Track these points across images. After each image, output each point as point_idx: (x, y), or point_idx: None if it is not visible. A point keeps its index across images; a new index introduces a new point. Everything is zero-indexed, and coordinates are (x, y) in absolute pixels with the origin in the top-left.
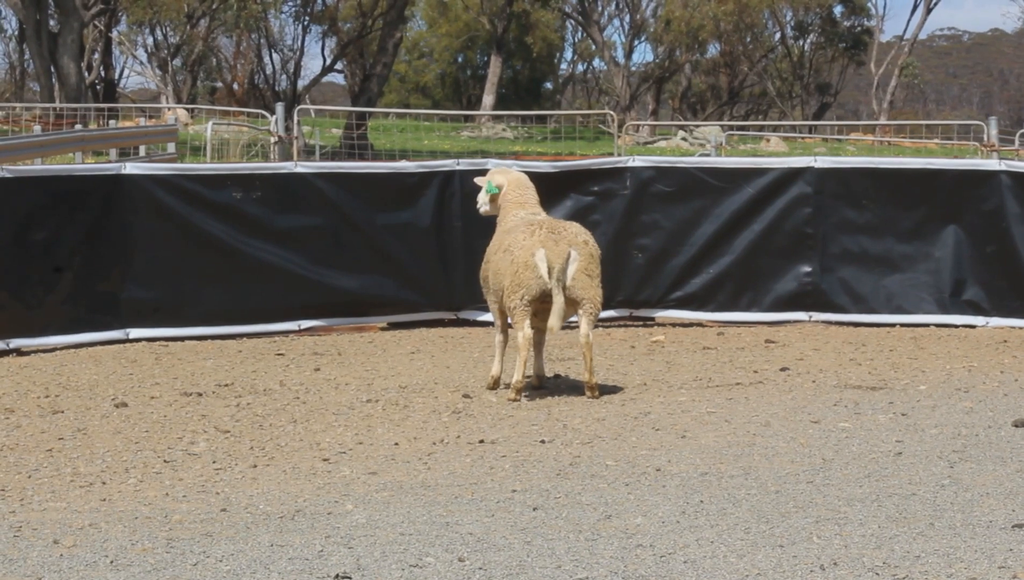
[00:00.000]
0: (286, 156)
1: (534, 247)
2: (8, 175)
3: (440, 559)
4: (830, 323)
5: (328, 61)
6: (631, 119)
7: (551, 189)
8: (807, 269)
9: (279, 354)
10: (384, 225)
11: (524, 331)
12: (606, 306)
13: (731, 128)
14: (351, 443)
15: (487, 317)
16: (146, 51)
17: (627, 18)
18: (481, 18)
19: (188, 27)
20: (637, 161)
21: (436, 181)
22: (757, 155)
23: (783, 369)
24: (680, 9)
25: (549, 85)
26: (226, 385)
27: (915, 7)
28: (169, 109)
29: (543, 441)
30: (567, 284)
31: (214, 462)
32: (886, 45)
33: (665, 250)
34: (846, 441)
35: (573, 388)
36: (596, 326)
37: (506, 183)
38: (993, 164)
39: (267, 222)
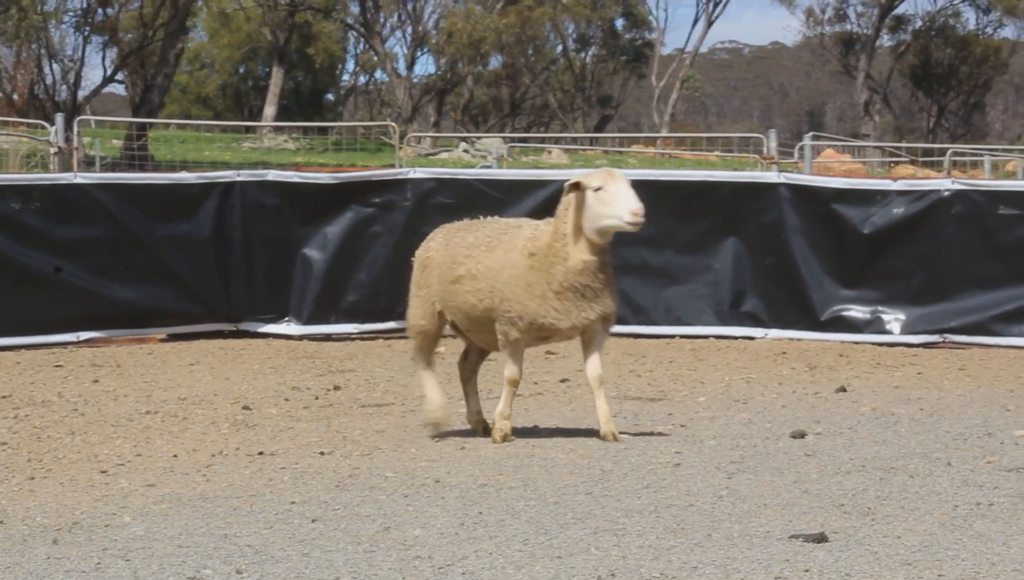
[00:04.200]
0: (66, 167)
1: None
2: None
3: (218, 571)
4: (610, 334)
5: (109, 72)
6: (413, 131)
7: (331, 201)
8: None
9: (57, 366)
10: (164, 236)
11: None
12: (386, 318)
13: (513, 140)
14: (130, 455)
15: (267, 329)
16: None
17: (409, 30)
18: (263, 29)
19: None
20: (418, 172)
21: (216, 192)
22: (539, 167)
23: (563, 380)
24: (462, 21)
25: (331, 96)
26: (3, 397)
27: (696, 20)
28: None
29: (323, 453)
30: None
31: None
32: (667, 58)
33: None
34: (625, 452)
35: (353, 400)
36: (373, 337)
37: None
38: (772, 177)
39: (46, 233)
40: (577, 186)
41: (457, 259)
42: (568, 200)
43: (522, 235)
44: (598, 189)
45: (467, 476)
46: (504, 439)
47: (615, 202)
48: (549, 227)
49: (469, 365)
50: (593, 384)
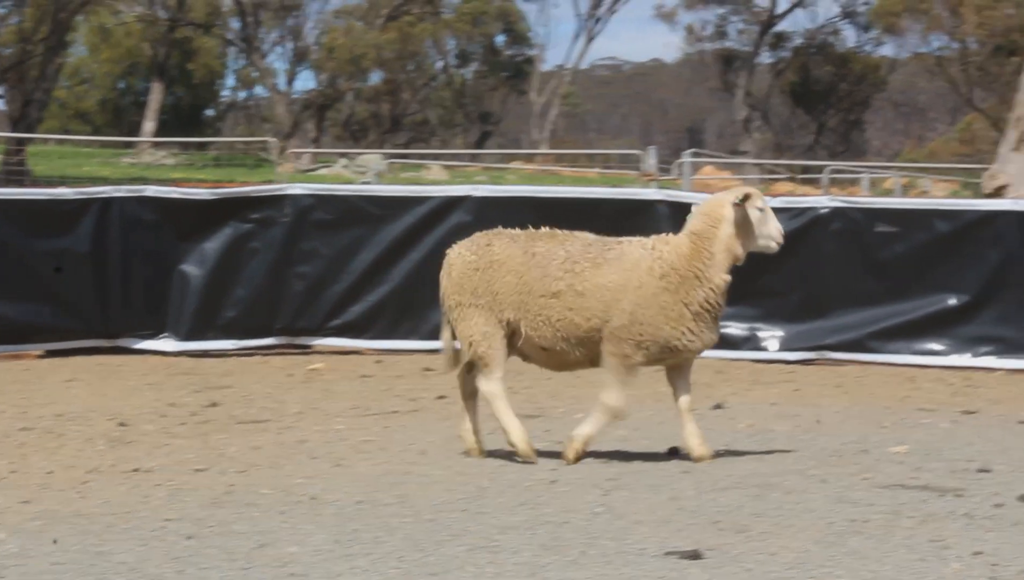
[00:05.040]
0: None
1: None
2: None
3: None
4: None
5: None
6: (293, 146)
7: (210, 217)
8: None
9: None
10: (41, 251)
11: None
12: (263, 334)
13: (393, 156)
14: (4, 472)
15: (144, 345)
16: None
17: (290, 45)
18: (143, 44)
19: None
20: (296, 188)
21: (94, 208)
22: (418, 183)
23: (441, 397)
24: (343, 37)
25: (211, 112)
26: None
27: (577, 36)
28: None
29: (198, 470)
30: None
31: None
32: (547, 74)
33: (324, 278)
34: (501, 469)
35: (230, 417)
36: (250, 354)
37: None
38: (651, 193)
39: None
40: (738, 203)
41: (550, 272)
42: (720, 216)
43: (639, 255)
44: (761, 209)
45: (343, 493)
46: (577, 459)
47: (771, 222)
48: (677, 247)
49: (472, 378)
50: (684, 411)
